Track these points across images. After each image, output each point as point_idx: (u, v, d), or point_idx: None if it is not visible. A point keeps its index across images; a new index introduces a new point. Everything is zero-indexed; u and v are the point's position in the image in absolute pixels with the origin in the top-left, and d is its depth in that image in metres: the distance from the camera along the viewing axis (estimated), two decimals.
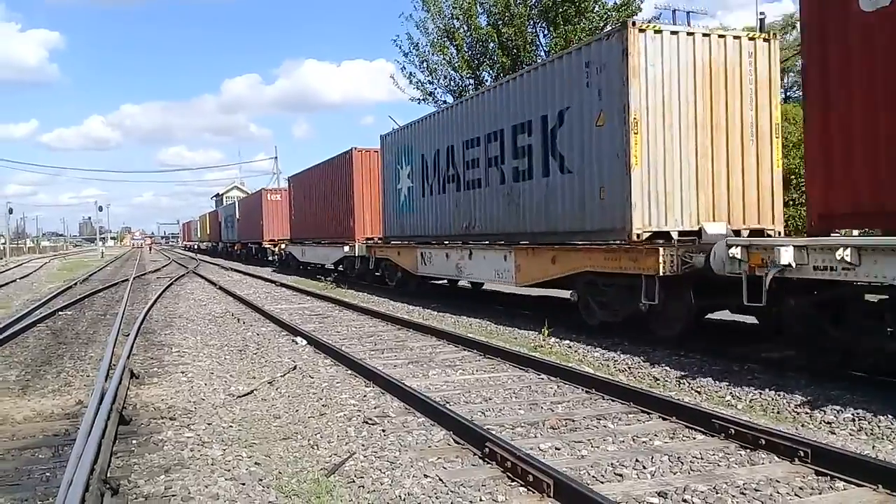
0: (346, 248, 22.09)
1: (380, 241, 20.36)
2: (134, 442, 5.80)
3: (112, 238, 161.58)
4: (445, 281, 18.29)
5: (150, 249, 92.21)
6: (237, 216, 47.72)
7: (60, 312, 15.60)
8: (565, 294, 13.72)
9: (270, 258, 36.22)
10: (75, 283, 25.48)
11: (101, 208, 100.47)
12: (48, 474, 5.07)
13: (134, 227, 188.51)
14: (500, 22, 24.79)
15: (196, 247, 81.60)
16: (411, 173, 17.89)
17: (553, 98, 11.53)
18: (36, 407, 7.10)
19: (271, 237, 36.27)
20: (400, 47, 27.48)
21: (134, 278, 27.18)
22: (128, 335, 11.16)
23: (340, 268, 24.44)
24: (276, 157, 68.36)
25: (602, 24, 23.80)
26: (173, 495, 4.60)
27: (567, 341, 10.30)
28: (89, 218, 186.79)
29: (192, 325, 13.50)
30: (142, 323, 13.13)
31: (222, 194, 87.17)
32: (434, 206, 16.60)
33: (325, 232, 25.35)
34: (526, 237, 12.65)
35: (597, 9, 24.25)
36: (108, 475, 4.79)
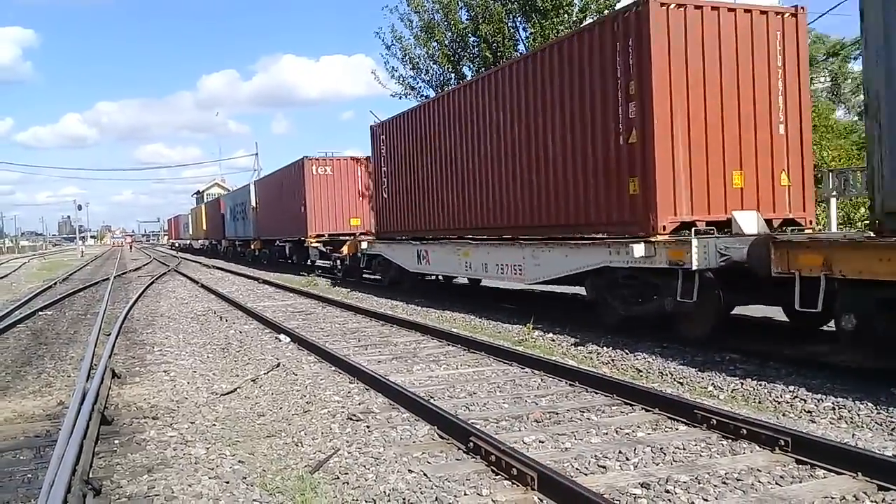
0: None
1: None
2: (116, 442, 5.76)
3: (92, 237, 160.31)
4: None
5: (131, 248, 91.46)
6: (253, 203, 35.02)
7: (40, 312, 15.46)
8: (550, 288, 13.74)
9: (319, 263, 25.67)
10: (55, 283, 25.27)
11: (80, 207, 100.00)
12: (30, 476, 5.03)
13: (114, 226, 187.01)
14: (479, 17, 24.78)
15: (188, 245, 68.83)
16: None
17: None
18: (16, 408, 7.04)
19: (318, 231, 25.37)
20: (382, 40, 27.38)
21: (115, 277, 26.96)
22: (109, 334, 11.09)
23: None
24: (256, 154, 68.14)
25: (582, 17, 23.82)
26: (156, 495, 4.58)
27: (551, 335, 10.33)
28: (68, 217, 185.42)
29: (174, 323, 13.42)
30: (123, 322, 13.04)
31: (203, 191, 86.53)
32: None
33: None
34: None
35: (576, 2, 24.26)
36: (91, 476, 4.75)
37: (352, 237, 21.68)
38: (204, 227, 55.20)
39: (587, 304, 11.07)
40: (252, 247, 35.77)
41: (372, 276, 20.14)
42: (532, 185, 11.70)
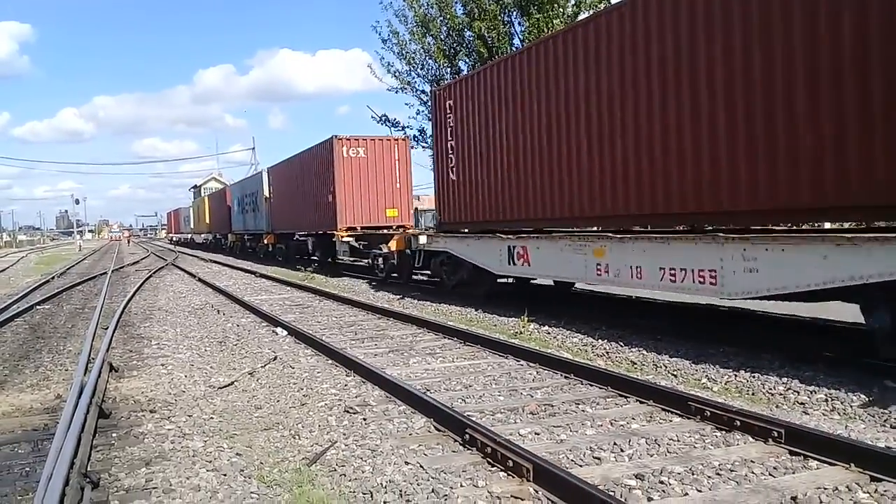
0: None
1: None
2: (114, 435, 5.78)
3: (90, 231, 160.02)
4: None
5: (129, 242, 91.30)
6: (266, 193, 31.19)
7: (38, 307, 15.45)
8: (545, 282, 13.58)
9: (348, 260, 23.92)
10: (53, 277, 25.23)
11: (77, 201, 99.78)
12: (28, 469, 5.05)
13: (112, 220, 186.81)
14: (474, 13, 24.78)
15: (189, 240, 65.26)
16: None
17: None
18: (14, 402, 7.05)
19: (349, 223, 21.55)
20: (379, 34, 27.37)
21: (112, 271, 26.95)
22: (106, 328, 11.10)
23: None
24: (253, 148, 67.99)
25: (576, 12, 23.81)
26: (154, 488, 4.61)
27: (546, 328, 10.37)
28: (66, 211, 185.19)
29: (171, 317, 13.43)
30: (121, 316, 13.05)
31: (200, 185, 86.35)
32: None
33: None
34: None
35: None
36: (89, 469, 4.78)
37: (389, 230, 19.51)
38: (207, 221, 50.17)
39: (866, 333, 7.04)
40: (264, 241, 31.47)
41: (425, 278, 17.27)
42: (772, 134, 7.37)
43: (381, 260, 18.33)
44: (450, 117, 14.35)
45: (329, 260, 24.69)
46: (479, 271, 13.38)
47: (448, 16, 25.50)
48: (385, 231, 20.07)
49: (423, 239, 15.45)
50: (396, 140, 22.48)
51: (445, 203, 14.80)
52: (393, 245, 16.99)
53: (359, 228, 21.36)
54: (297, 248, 27.49)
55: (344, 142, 21.56)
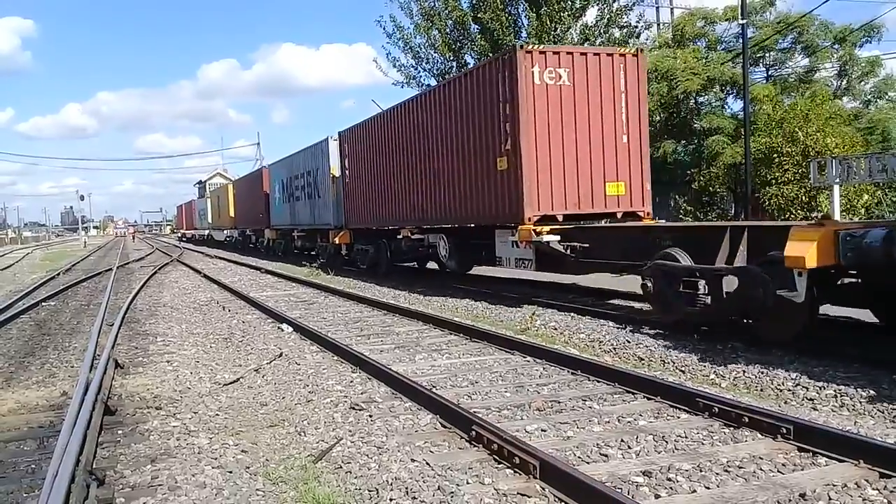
0: None
1: None
2: (119, 432, 5.78)
3: (95, 227, 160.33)
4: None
5: (134, 238, 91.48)
6: (334, 170, 21.66)
7: (44, 303, 15.48)
8: (551, 278, 13.61)
9: (523, 273, 13.99)
10: (58, 274, 25.28)
11: (82, 197, 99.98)
12: (34, 466, 5.05)
13: (116, 216, 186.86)
14: (479, 6, 24.73)
15: (206, 237, 54.30)
16: None
17: None
18: (20, 399, 7.05)
19: (543, 208, 11.78)
20: (384, 28, 27.34)
21: (117, 268, 26.99)
22: (112, 325, 11.11)
23: None
24: (258, 143, 68.03)
25: (584, 5, 23.74)
26: (160, 485, 4.60)
27: (553, 324, 10.33)
28: (71, 207, 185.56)
29: (176, 313, 13.44)
30: (126, 312, 13.06)
31: (205, 181, 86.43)
32: None
33: None
34: None
35: None
36: (94, 466, 4.77)
37: (612, 219, 12.20)
38: (231, 213, 40.87)
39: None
40: (335, 240, 21.27)
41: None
42: None
43: (649, 283, 9.23)
44: None
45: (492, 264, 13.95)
46: None
47: (453, 8, 25.43)
48: (608, 221, 12.18)
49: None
50: (622, 54, 12.52)
51: None
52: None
53: (559, 217, 11.73)
54: (407, 253, 17.70)
55: (536, 57, 11.74)
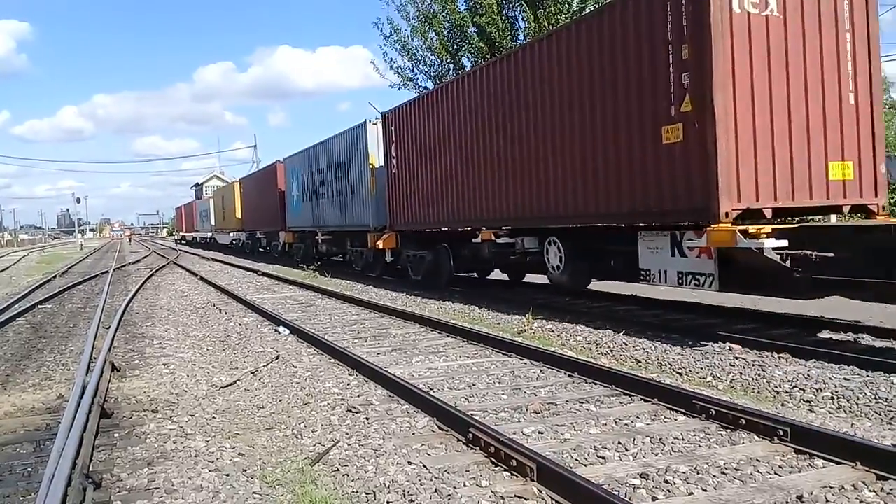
0: None
1: None
2: (116, 435, 5.76)
3: (91, 230, 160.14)
4: None
5: (130, 241, 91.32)
6: (374, 160, 18.35)
7: (40, 306, 15.45)
8: (543, 280, 13.64)
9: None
10: (55, 276, 25.22)
11: (78, 200, 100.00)
12: (30, 469, 5.03)
13: (113, 219, 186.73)
14: (476, 8, 24.76)
15: (208, 240, 50.66)
16: None
17: None
18: (16, 402, 7.03)
19: (746, 199, 8.07)
20: (381, 30, 27.38)
21: (114, 270, 26.95)
22: (108, 328, 11.09)
23: None
24: (255, 146, 67.99)
25: (581, 7, 23.74)
26: (156, 488, 4.58)
27: (550, 326, 10.33)
28: (67, 210, 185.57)
29: (173, 316, 13.42)
30: (122, 315, 13.03)
31: (202, 183, 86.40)
32: None
33: None
34: None
35: None
36: (91, 469, 4.76)
37: (831, 214, 9.60)
38: (238, 215, 37.38)
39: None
40: (377, 244, 17.66)
41: None
42: None
43: None
44: None
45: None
46: None
47: (450, 10, 25.46)
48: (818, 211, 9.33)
49: None
50: None
51: None
52: None
53: (766, 213, 8.34)
54: (487, 261, 14.37)
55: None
